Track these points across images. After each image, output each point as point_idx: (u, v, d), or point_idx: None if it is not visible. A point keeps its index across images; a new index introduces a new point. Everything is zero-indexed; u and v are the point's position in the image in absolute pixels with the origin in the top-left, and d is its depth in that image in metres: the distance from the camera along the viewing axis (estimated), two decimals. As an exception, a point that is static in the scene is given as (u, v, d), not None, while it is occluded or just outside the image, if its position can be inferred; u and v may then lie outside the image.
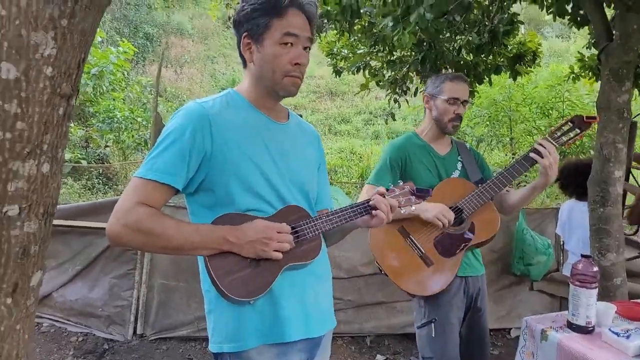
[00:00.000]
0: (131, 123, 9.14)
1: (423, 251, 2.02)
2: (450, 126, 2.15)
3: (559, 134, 1.97)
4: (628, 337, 1.61)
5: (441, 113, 2.14)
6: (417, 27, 2.55)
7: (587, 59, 4.42)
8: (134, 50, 10.32)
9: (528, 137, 7.71)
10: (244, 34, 1.35)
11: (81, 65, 0.96)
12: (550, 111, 7.39)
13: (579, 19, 4.19)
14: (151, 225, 1.21)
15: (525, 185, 2.17)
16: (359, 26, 3.31)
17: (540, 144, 1.94)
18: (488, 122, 7.98)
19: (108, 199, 4.85)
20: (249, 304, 1.26)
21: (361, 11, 3.03)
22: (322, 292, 1.45)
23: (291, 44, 1.31)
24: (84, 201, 7.87)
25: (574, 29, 4.22)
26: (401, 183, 1.54)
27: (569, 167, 3.32)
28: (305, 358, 1.41)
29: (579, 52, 4.51)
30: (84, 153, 8.66)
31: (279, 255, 1.26)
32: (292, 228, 1.32)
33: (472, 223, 2.06)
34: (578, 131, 1.96)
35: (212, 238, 1.24)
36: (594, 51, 4.47)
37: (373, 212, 1.42)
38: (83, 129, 9.09)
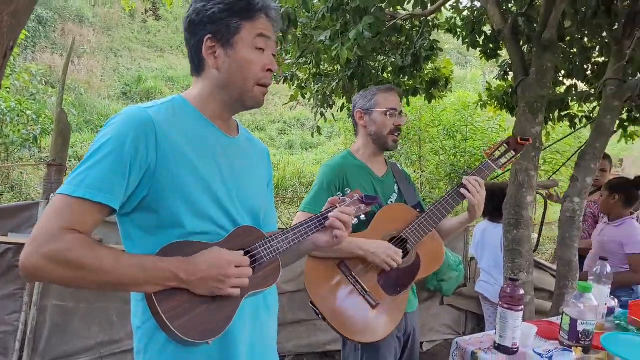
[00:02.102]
0: (18, 116, 8.10)
1: (367, 290, 1.80)
2: (390, 140, 2.02)
3: (497, 155, 1.92)
4: (550, 357, 1.70)
5: (380, 127, 2.00)
6: (356, 44, 2.55)
7: (494, 89, 4.81)
8: (24, 34, 9.23)
9: (435, 156, 8.24)
10: (208, 36, 1.19)
11: (8, 55, 0.75)
12: (456, 133, 7.98)
13: (488, 51, 4.59)
14: (81, 256, 0.99)
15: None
16: (291, 36, 3.25)
17: (468, 182, 1.84)
18: (399, 141, 8.35)
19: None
20: (207, 344, 1.10)
21: (298, 22, 2.97)
22: (271, 328, 1.34)
23: (262, 49, 1.21)
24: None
25: (470, 59, 4.61)
26: (349, 191, 1.46)
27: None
28: None
29: (487, 82, 4.89)
30: (-45, 147, 7.52)
31: (237, 292, 1.12)
32: (248, 252, 1.19)
33: (418, 254, 1.90)
34: (513, 153, 1.93)
35: (158, 273, 1.05)
36: (499, 82, 4.90)
37: (334, 230, 1.31)
38: (-46, 120, 7.89)
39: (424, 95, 4.87)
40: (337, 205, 1.38)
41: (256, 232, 1.25)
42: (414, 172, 8.63)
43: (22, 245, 1.01)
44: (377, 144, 2.04)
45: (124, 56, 15.05)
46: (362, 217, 1.47)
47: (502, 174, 3.74)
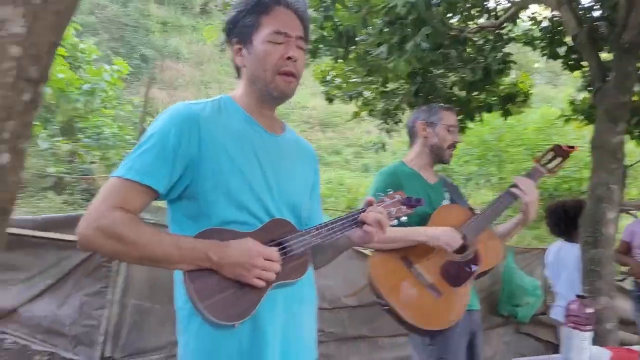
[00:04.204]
0: (119, 141, 9.03)
1: (430, 281, 1.89)
2: (447, 154, 2.16)
3: (544, 162, 2.03)
4: (624, 385, 1.52)
5: (442, 140, 2.13)
6: (413, 56, 2.54)
7: (578, 103, 4.48)
8: (128, 69, 10.30)
9: (517, 178, 7.73)
10: (234, 39, 1.30)
11: (52, 50, 0.88)
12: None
13: (570, 62, 4.30)
14: (126, 232, 1.11)
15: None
16: (354, 54, 3.31)
17: (520, 181, 1.96)
18: (478, 161, 8.06)
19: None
20: (233, 327, 1.14)
21: (357, 39, 3.02)
22: (307, 320, 1.33)
23: (282, 43, 1.25)
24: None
25: (562, 77, 4.31)
26: (391, 192, 1.44)
27: (555, 208, 3.28)
28: None
29: (571, 95, 4.57)
30: (69, 168, 8.48)
31: (261, 284, 1.15)
32: (279, 243, 1.22)
33: (476, 250, 1.96)
34: (560, 159, 2.02)
35: (193, 253, 1.12)
36: (585, 95, 4.55)
37: (363, 225, 1.30)
38: (69, 144, 8.94)
39: (499, 111, 4.67)
40: (375, 204, 1.37)
41: (289, 225, 1.27)
42: (493, 195, 8.17)
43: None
44: (434, 155, 2.17)
45: (213, 87, 16.16)
46: (404, 218, 1.44)
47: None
